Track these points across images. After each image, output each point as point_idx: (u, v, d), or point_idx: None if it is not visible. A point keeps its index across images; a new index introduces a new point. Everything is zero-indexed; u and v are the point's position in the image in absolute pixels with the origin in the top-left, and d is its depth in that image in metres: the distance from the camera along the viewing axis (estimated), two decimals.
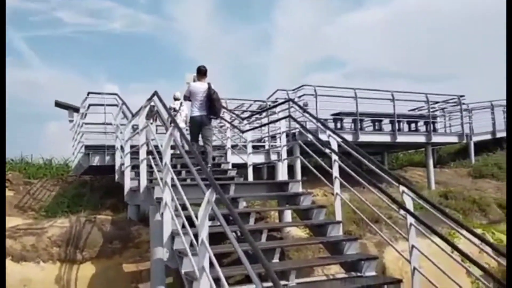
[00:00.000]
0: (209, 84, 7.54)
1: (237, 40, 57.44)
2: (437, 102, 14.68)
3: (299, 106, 9.20)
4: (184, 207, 4.24)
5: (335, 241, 5.35)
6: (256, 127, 10.28)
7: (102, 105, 9.35)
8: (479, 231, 6.91)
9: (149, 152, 6.34)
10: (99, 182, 10.86)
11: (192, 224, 3.88)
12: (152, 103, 6.60)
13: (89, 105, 9.47)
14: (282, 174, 8.53)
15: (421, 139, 13.11)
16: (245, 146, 8.72)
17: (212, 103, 7.43)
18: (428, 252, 4.65)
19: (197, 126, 7.56)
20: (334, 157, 5.67)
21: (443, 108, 15.33)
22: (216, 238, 4.93)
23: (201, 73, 7.63)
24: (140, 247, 7.07)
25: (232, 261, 5.52)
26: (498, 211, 10.22)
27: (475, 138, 15.34)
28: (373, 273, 4.91)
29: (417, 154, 17.30)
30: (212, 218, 3.82)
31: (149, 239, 5.65)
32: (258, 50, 59.74)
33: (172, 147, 5.37)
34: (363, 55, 52.42)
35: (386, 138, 12.61)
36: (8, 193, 10.36)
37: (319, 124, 8.23)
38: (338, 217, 5.63)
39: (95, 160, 9.03)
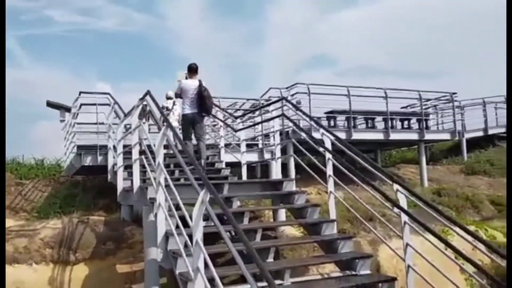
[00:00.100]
0: (200, 81, 7.53)
1: (230, 38, 57.33)
2: (429, 100, 14.75)
3: (292, 104, 9.21)
4: (178, 207, 4.21)
5: (329, 240, 5.35)
6: (250, 126, 10.27)
7: (94, 104, 9.30)
8: (472, 228, 6.96)
9: (142, 152, 6.30)
10: (92, 182, 10.79)
11: (186, 224, 3.86)
12: (145, 103, 6.57)
13: (81, 104, 9.41)
14: (276, 173, 8.52)
15: (414, 136, 13.17)
16: (238, 145, 8.70)
17: (203, 101, 7.44)
18: (422, 249, 4.66)
19: (189, 123, 7.58)
20: (328, 155, 5.66)
21: (435, 105, 15.42)
22: (210, 237, 4.91)
23: (192, 70, 7.62)
24: (134, 248, 7.02)
25: (227, 261, 5.51)
26: (490, 207, 10.30)
27: (467, 135, 15.45)
28: (368, 272, 4.92)
29: (409, 152, 17.38)
30: (206, 218, 3.80)
31: (142, 240, 5.61)
32: (251, 48, 59.64)
33: (166, 147, 5.33)
34: (356, 52, 52.52)
35: (379, 136, 12.65)
36: None
37: (312, 123, 8.24)
38: (332, 215, 5.63)
39: (87, 160, 8.97)
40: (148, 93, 6.20)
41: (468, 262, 4.11)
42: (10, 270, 6.43)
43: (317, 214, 5.88)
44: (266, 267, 2.96)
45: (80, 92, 9.36)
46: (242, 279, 3.99)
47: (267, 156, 9.55)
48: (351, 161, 6.14)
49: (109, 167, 8.14)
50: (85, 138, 9.57)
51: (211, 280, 3.31)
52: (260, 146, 10.40)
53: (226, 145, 9.35)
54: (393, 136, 12.59)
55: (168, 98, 11.26)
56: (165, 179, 4.68)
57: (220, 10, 57.22)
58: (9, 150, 13.65)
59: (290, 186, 6.60)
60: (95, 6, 49.50)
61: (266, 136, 10.42)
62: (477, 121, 16.27)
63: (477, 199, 10.34)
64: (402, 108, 14.60)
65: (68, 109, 9.94)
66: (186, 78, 7.68)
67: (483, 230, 7.87)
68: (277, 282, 4.36)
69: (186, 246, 3.89)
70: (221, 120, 9.58)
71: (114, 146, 7.78)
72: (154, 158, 4.99)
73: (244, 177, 8.01)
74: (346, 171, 5.34)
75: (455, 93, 14.46)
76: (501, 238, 7.87)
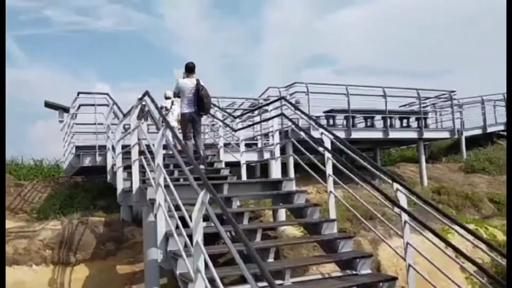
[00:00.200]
0: (197, 80, 7.55)
1: (229, 38, 57.35)
2: (428, 98, 14.74)
3: (291, 103, 9.20)
4: (177, 208, 4.21)
5: (329, 239, 5.34)
6: (249, 126, 10.26)
7: (93, 105, 9.28)
8: (472, 226, 6.96)
9: (141, 152, 6.28)
10: (91, 183, 10.77)
11: (186, 225, 3.85)
12: (144, 103, 6.56)
13: (80, 105, 9.39)
14: (275, 173, 8.51)
15: (413, 135, 13.16)
16: (237, 145, 8.69)
17: (201, 100, 7.45)
18: (422, 248, 4.67)
19: (188, 123, 7.59)
20: (327, 154, 5.65)
21: (434, 104, 15.41)
22: (210, 237, 4.91)
23: (190, 69, 7.63)
24: (134, 248, 7.02)
25: (227, 261, 5.51)
26: (490, 206, 10.30)
27: (466, 133, 15.43)
28: (368, 271, 4.91)
29: (409, 150, 17.37)
30: (207, 218, 3.80)
31: (142, 240, 5.60)
32: (250, 48, 59.70)
33: (165, 147, 5.32)
34: (355, 51, 52.57)
35: (378, 135, 12.63)
36: None
37: (311, 122, 8.22)
38: (332, 215, 5.63)
39: (87, 161, 8.95)
40: (146, 93, 6.19)
41: (468, 261, 4.11)
42: (10, 272, 6.42)
43: (317, 214, 5.87)
44: (266, 267, 2.95)
45: (79, 93, 9.35)
46: (243, 280, 3.98)
47: (266, 155, 9.53)
48: (351, 160, 6.14)
49: (108, 167, 8.13)
50: (84, 138, 9.56)
51: (211, 281, 3.30)
52: (259, 145, 10.38)
53: (225, 145, 9.34)
54: (392, 134, 12.58)
55: (167, 98, 11.25)
56: (165, 179, 4.67)
57: (219, 10, 57.24)
58: (8, 151, 13.64)
59: (289, 186, 6.59)
60: (93, 5, 49.49)
61: (265, 135, 10.41)
62: (476, 119, 16.26)
63: (476, 197, 10.34)
64: (401, 106, 14.60)
65: (66, 110, 9.92)
66: (184, 77, 7.68)
67: (483, 229, 7.87)
68: (278, 282, 4.36)
69: (186, 246, 3.89)
70: (220, 120, 9.57)
71: (113, 147, 7.77)
72: (153, 159, 4.98)
73: (244, 177, 8.01)
74: (345, 170, 5.34)
75: (453, 92, 14.45)
76: (501, 236, 7.87)
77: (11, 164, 13.14)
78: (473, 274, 4.35)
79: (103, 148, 8.73)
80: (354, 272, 4.85)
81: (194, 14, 55.99)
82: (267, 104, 9.85)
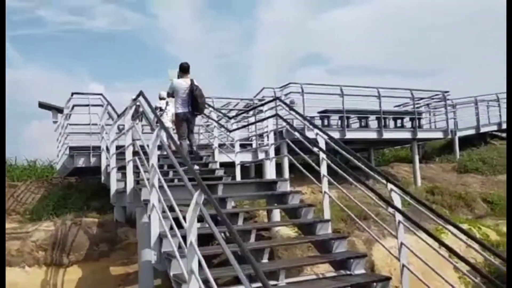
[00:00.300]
0: (192, 80, 7.55)
1: (223, 38, 57.31)
2: (422, 98, 14.81)
3: (286, 104, 9.20)
4: (171, 208, 4.19)
5: (324, 240, 5.35)
6: (244, 126, 10.25)
7: (87, 105, 9.24)
8: (465, 226, 6.99)
9: (135, 153, 6.26)
10: (85, 184, 10.72)
11: (180, 225, 3.84)
12: (138, 103, 6.53)
13: (74, 105, 9.34)
14: (270, 173, 8.51)
15: (407, 135, 13.21)
16: (232, 145, 8.68)
17: (195, 100, 7.45)
18: (416, 248, 4.68)
19: (182, 122, 7.59)
20: (322, 155, 5.66)
21: (428, 104, 15.47)
22: (204, 238, 4.90)
23: (184, 69, 7.63)
24: (128, 250, 6.99)
25: (222, 262, 5.50)
26: (483, 206, 10.37)
27: (460, 133, 15.52)
28: (362, 271, 4.92)
29: (402, 150, 17.44)
30: (201, 218, 3.79)
31: (136, 241, 5.58)
32: (244, 48, 59.70)
33: (159, 147, 5.31)
34: (349, 51, 52.72)
35: (373, 135, 12.67)
36: None
37: (306, 122, 8.23)
38: (327, 215, 5.64)
39: (80, 162, 8.90)
40: (141, 93, 6.17)
41: (462, 260, 4.13)
42: None
43: (312, 214, 5.87)
44: (260, 268, 2.95)
45: (73, 93, 9.30)
46: (237, 281, 3.97)
47: (261, 156, 9.53)
48: (345, 160, 6.15)
49: (102, 168, 8.09)
50: (78, 139, 9.51)
51: (205, 282, 3.30)
52: (254, 146, 10.38)
53: (220, 146, 9.34)
54: (386, 135, 12.63)
55: (161, 98, 11.21)
56: (159, 180, 4.66)
57: (213, 10, 57.17)
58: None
59: (284, 186, 6.60)
60: (87, 5, 49.29)
61: (260, 136, 10.40)
62: (469, 120, 16.35)
63: (470, 197, 10.40)
64: (395, 107, 14.65)
65: (60, 110, 9.87)
66: (178, 77, 7.68)
67: (476, 228, 7.91)
68: (272, 282, 4.36)
69: (180, 247, 3.88)
70: (215, 121, 9.56)
71: (107, 147, 7.73)
72: (147, 159, 4.96)
73: (238, 177, 8.00)
74: (340, 171, 5.35)
75: (447, 92, 14.52)
76: (494, 236, 7.92)
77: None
78: (466, 274, 4.37)
79: (97, 148, 8.69)
80: (348, 272, 4.86)
81: (188, 14, 55.96)
82: (262, 105, 9.87)
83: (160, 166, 6.74)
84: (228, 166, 8.40)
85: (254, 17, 59.62)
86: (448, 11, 47.11)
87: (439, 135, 14.16)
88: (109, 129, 7.82)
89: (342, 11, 53.83)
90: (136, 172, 6.30)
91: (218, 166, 8.52)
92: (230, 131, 8.98)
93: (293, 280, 4.79)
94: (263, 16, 58.22)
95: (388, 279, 4.74)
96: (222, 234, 5.09)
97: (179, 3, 55.72)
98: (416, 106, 13.68)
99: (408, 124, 13.60)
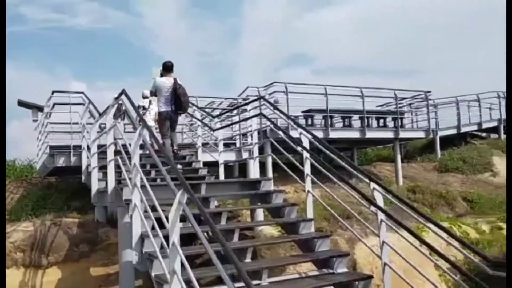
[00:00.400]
0: (175, 79, 7.52)
1: (208, 37, 57.11)
2: (404, 98, 14.96)
3: (270, 103, 9.20)
4: (154, 208, 4.14)
5: (307, 239, 5.36)
6: (227, 125, 10.22)
7: (68, 104, 9.08)
8: (446, 224, 7.07)
9: (117, 152, 6.18)
10: (65, 183, 10.55)
11: (162, 225, 3.80)
12: (120, 102, 6.45)
13: (54, 104, 9.18)
14: (253, 172, 8.49)
15: (389, 134, 13.33)
16: (216, 144, 8.64)
17: (178, 98, 7.41)
18: (398, 246, 4.71)
19: (165, 121, 7.55)
20: (306, 154, 5.67)
21: (410, 104, 15.64)
22: (187, 238, 4.86)
23: (167, 68, 7.59)
24: (108, 250, 6.90)
25: (204, 262, 5.46)
26: (463, 204, 10.54)
27: (441, 133, 15.73)
28: (345, 270, 4.94)
29: (385, 150, 17.62)
30: (184, 218, 3.75)
31: (117, 242, 5.51)
32: (229, 47, 59.59)
33: (142, 146, 5.25)
34: (333, 51, 53.08)
35: (356, 134, 12.75)
36: None
37: (290, 121, 8.24)
38: (310, 214, 5.64)
39: (61, 161, 8.76)
40: (123, 92, 6.08)
41: (442, 258, 4.18)
42: None
43: (295, 213, 5.88)
44: (243, 268, 2.93)
45: (53, 91, 9.13)
46: (220, 280, 3.94)
47: (245, 155, 9.51)
48: (329, 159, 6.18)
49: (83, 168, 7.97)
50: (58, 138, 9.34)
51: (188, 282, 3.27)
52: (237, 145, 10.35)
53: (204, 145, 9.28)
54: (369, 134, 12.73)
55: (144, 97, 11.12)
56: (141, 179, 4.60)
57: (196, 8, 56.91)
58: None
59: (268, 186, 6.59)
60: (70, 3, 48.58)
61: (244, 135, 10.38)
62: (450, 120, 16.59)
63: (450, 196, 10.56)
64: (378, 106, 14.78)
65: (40, 109, 9.70)
66: (162, 76, 7.63)
67: (457, 227, 8.03)
68: (255, 282, 4.35)
69: (162, 247, 3.83)
70: (198, 120, 9.51)
71: (88, 147, 7.62)
72: (129, 159, 4.90)
73: (222, 176, 7.97)
74: (323, 170, 5.36)
75: (429, 92, 14.70)
76: (473, 234, 8.05)
77: None
78: (446, 271, 4.43)
79: (78, 148, 8.56)
80: (330, 271, 4.88)
81: (172, 12, 55.58)
82: (246, 104, 9.84)
83: (143, 166, 6.68)
84: (212, 166, 8.36)
85: (239, 16, 59.60)
86: (433, 12, 47.82)
87: (421, 134, 14.34)
88: (90, 128, 7.70)
89: (327, 11, 54.21)
90: (118, 171, 6.22)
91: (201, 166, 8.47)
92: (214, 130, 8.93)
93: (276, 280, 4.80)
94: (248, 15, 58.28)
95: (370, 277, 4.78)
96: (205, 233, 5.07)
97: (164, 1, 55.35)
98: (398, 106, 13.82)
99: (390, 123, 13.73)
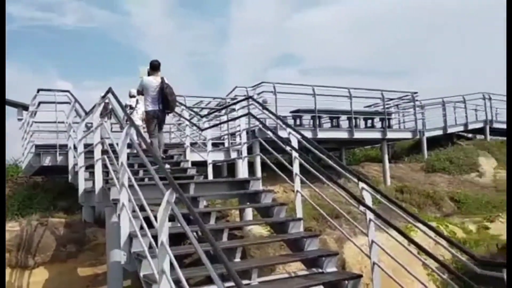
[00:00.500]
0: (162, 78, 7.49)
1: (195, 36, 56.93)
2: (391, 99, 15.07)
3: (258, 103, 9.18)
4: (142, 208, 4.10)
5: (296, 238, 5.36)
6: (216, 125, 10.19)
7: (54, 102, 8.96)
8: (433, 224, 7.12)
9: (104, 152, 6.11)
10: (52, 183, 10.41)
11: (151, 225, 3.76)
12: (107, 100, 6.38)
13: (39, 102, 9.05)
14: (242, 172, 8.47)
15: (377, 135, 13.43)
16: (204, 144, 8.61)
17: (165, 98, 7.39)
18: (386, 246, 4.74)
19: (152, 120, 7.51)
20: (295, 154, 5.67)
21: (397, 105, 15.76)
22: (176, 238, 4.83)
23: (154, 67, 7.57)
24: (96, 250, 6.84)
25: (194, 262, 5.43)
26: (451, 204, 10.64)
27: (428, 134, 15.87)
28: (334, 269, 4.95)
29: (373, 150, 17.73)
30: (172, 218, 3.72)
31: (105, 242, 5.45)
32: (217, 46, 59.47)
33: (129, 146, 5.20)
34: (321, 51, 53.29)
35: (344, 135, 12.82)
36: None
37: (279, 121, 8.25)
38: (299, 214, 5.65)
39: (47, 160, 8.62)
40: (110, 90, 6.02)
41: (430, 257, 4.21)
42: None
43: (284, 213, 5.87)
44: (233, 267, 2.92)
45: (39, 90, 9.00)
46: (209, 280, 3.93)
47: (233, 155, 9.49)
48: (317, 159, 6.18)
49: (70, 167, 7.87)
50: (44, 137, 9.22)
51: (177, 282, 3.24)
52: (226, 145, 10.32)
53: (192, 144, 9.23)
54: (357, 135, 12.80)
55: (132, 96, 11.03)
56: (129, 179, 4.55)
57: (184, 7, 56.70)
58: None
59: (256, 185, 6.57)
60: (56, 1, 48.02)
61: (232, 135, 10.36)
62: (437, 120, 16.74)
63: (437, 196, 10.66)
64: (365, 107, 14.86)
65: (25, 107, 9.56)
66: (149, 74, 7.59)
67: (444, 226, 8.10)
68: (244, 282, 4.33)
69: (151, 247, 3.80)
70: (186, 119, 9.46)
71: (74, 146, 7.53)
72: (117, 158, 4.85)
73: (210, 176, 7.94)
74: (312, 170, 5.37)
75: (416, 93, 14.84)
76: (460, 234, 8.14)
77: None
78: (434, 270, 4.45)
79: (64, 147, 8.45)
80: (320, 271, 4.88)
81: (159, 11, 55.29)
82: (234, 103, 9.81)
83: (130, 165, 6.62)
84: (200, 165, 8.32)
85: (226, 16, 59.51)
86: (424, 12, 48.30)
87: (408, 135, 14.47)
88: (77, 127, 7.61)
89: (316, 11, 54.40)
90: (105, 171, 6.15)
91: (190, 165, 8.43)
92: (202, 130, 8.90)
93: (266, 279, 4.79)
94: (236, 16, 58.20)
95: (359, 276, 4.79)
96: (194, 233, 5.04)
97: (151, 0, 55.02)
98: (386, 106, 13.91)
99: (378, 124, 13.83)
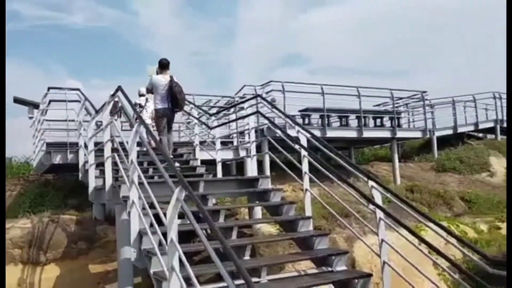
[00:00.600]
0: (171, 77, 7.52)
1: (202, 36, 57.07)
2: (401, 98, 14.97)
3: (267, 101, 9.18)
4: (152, 205, 4.12)
5: (305, 237, 5.35)
6: (225, 123, 10.20)
7: (64, 101, 9.03)
8: (444, 224, 7.08)
9: (114, 150, 6.15)
10: (62, 181, 10.50)
11: (160, 223, 3.78)
12: (116, 99, 6.41)
13: (50, 101, 9.13)
14: (251, 170, 8.47)
15: (386, 134, 13.33)
16: (213, 143, 8.62)
17: (174, 96, 7.42)
18: (396, 245, 4.71)
19: (162, 118, 7.54)
20: (304, 152, 5.65)
21: (407, 104, 15.66)
22: (185, 235, 4.84)
23: (163, 66, 7.60)
24: (106, 247, 6.87)
25: (203, 259, 5.45)
26: (461, 204, 10.56)
27: (438, 133, 15.75)
28: (344, 268, 4.92)
29: (382, 149, 17.61)
30: (182, 215, 3.73)
31: (115, 239, 5.49)
32: (224, 45, 59.53)
33: (139, 144, 5.22)
34: (328, 51, 53.10)
35: (353, 134, 12.74)
36: None
37: (288, 120, 8.23)
38: (308, 212, 5.63)
39: (57, 159, 8.71)
40: (119, 88, 6.05)
41: (442, 257, 4.18)
42: None
43: (293, 211, 5.86)
44: (242, 265, 2.92)
45: (49, 88, 9.08)
46: (219, 278, 3.94)
47: (242, 153, 9.50)
48: (326, 158, 6.16)
49: (80, 165, 7.92)
50: (55, 135, 9.30)
51: (186, 279, 3.25)
52: (235, 143, 10.33)
53: (201, 143, 9.26)
54: (366, 134, 12.72)
55: (141, 95, 11.08)
56: (139, 176, 4.57)
57: (192, 7, 56.82)
58: None
59: (265, 184, 6.56)
60: (65, 0, 48.37)
61: (241, 133, 10.36)
62: (447, 120, 16.61)
63: (448, 195, 10.58)
64: (374, 106, 14.77)
65: (36, 106, 9.65)
66: (157, 73, 7.62)
67: (455, 226, 8.05)
68: (254, 280, 4.32)
69: (160, 244, 3.81)
70: (195, 118, 9.48)
71: (85, 144, 7.58)
72: (127, 156, 4.87)
73: (219, 174, 7.95)
74: (321, 168, 5.35)
75: (425, 92, 14.72)
76: (472, 233, 8.08)
77: None
78: (446, 269, 4.43)
79: (74, 145, 8.51)
80: (329, 269, 4.86)
81: (167, 11, 55.48)
82: (243, 102, 9.81)
83: (140, 163, 6.64)
84: (209, 164, 8.34)
85: (234, 16, 59.56)
86: (431, 12, 47.93)
87: (418, 134, 14.35)
88: (87, 125, 7.66)
89: (322, 11, 54.22)
90: (115, 169, 6.18)
91: (199, 164, 8.45)
92: (211, 128, 8.91)
93: (275, 277, 4.77)
94: (242, 15, 58.21)
95: (369, 275, 4.76)
96: (203, 231, 5.05)
97: (159, 0, 55.22)
98: (395, 105, 13.82)
99: (387, 123, 13.73)
